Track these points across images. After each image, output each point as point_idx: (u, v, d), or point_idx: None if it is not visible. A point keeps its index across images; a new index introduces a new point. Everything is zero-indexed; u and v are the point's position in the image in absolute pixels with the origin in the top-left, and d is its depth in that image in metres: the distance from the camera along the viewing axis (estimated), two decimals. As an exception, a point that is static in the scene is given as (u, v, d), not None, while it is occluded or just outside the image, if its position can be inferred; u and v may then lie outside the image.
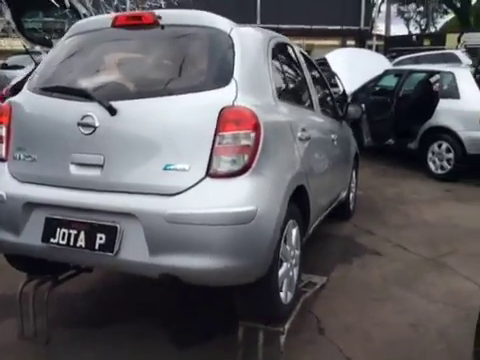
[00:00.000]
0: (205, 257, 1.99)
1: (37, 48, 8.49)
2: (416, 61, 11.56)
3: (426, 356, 2.54)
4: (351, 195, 4.76)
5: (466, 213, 5.05)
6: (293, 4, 19.64)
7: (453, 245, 4.12)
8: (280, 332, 2.30)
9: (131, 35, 2.49)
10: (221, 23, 2.40)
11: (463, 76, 6.30)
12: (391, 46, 18.45)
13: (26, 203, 2.28)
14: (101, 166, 2.17)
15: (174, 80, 2.26)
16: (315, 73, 3.79)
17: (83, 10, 8.64)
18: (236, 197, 2.04)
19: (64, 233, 2.18)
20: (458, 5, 24.52)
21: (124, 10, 10.18)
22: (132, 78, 2.38)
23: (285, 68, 2.95)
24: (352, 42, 22.52)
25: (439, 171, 6.49)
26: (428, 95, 7.02)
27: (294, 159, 2.55)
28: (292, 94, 3.05)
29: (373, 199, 5.58)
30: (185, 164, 2.06)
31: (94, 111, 2.18)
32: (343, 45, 21.42)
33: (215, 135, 2.05)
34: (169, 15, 2.45)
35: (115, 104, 2.16)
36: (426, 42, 17.81)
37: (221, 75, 2.20)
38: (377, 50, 19.66)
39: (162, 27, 2.37)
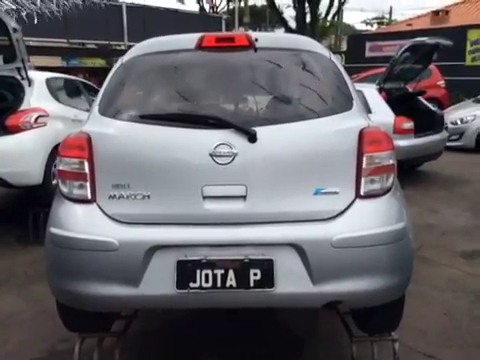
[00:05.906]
0: (373, 278, 2.01)
1: None
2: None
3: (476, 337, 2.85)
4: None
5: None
6: (159, 24, 19.69)
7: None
8: (394, 340, 2.38)
9: (224, 57, 2.31)
10: (319, 47, 2.41)
11: (370, 93, 6.97)
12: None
13: (150, 248, 1.98)
14: (244, 197, 2.02)
15: (302, 105, 2.20)
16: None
17: None
18: (391, 215, 2.10)
19: (207, 274, 1.96)
20: None
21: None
22: (258, 104, 2.23)
23: None
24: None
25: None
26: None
27: None
28: None
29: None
30: (336, 187, 2.05)
31: (230, 139, 2.02)
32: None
33: (360, 156, 2.07)
34: (265, 38, 2.34)
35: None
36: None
37: (345, 98, 2.23)
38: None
39: (255, 50, 2.25)
